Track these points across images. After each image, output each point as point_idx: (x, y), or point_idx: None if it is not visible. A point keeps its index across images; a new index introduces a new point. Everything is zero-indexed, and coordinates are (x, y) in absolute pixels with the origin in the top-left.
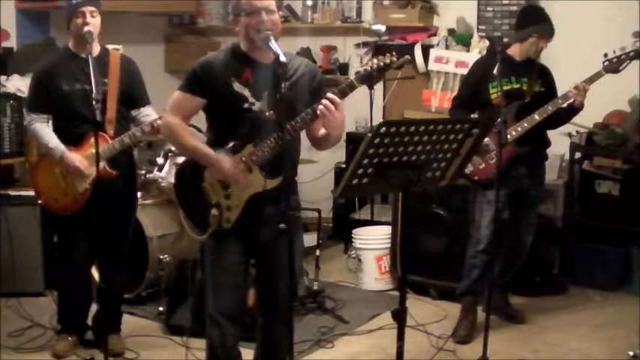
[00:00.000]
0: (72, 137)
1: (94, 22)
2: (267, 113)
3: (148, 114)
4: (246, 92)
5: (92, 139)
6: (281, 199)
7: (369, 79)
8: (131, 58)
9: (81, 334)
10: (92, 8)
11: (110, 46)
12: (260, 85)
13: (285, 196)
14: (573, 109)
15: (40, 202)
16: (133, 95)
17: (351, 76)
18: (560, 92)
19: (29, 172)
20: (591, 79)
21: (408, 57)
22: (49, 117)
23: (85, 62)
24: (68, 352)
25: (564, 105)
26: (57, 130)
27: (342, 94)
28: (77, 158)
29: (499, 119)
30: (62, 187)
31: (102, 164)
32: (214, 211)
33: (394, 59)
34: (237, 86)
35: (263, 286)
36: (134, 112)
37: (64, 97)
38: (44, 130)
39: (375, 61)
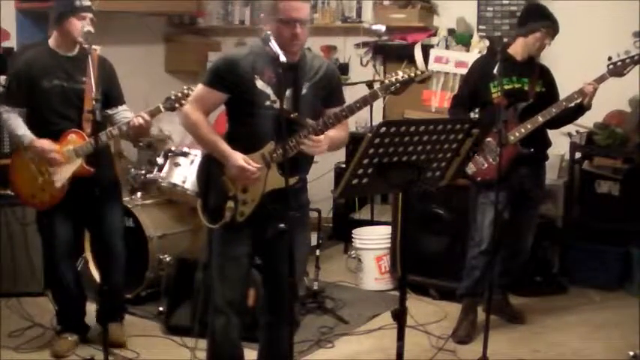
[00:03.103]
0: (50, 134)
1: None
2: (292, 115)
3: (125, 116)
4: (269, 90)
5: (70, 136)
6: (292, 198)
7: (392, 90)
8: (107, 59)
9: (81, 333)
10: (91, 15)
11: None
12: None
13: (295, 195)
14: (581, 109)
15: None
16: (110, 95)
17: (351, 75)
18: (560, 91)
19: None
20: (595, 82)
21: (430, 72)
22: (22, 111)
23: (65, 60)
24: (68, 351)
25: (572, 104)
26: (35, 126)
27: (365, 103)
28: (46, 143)
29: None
30: (39, 184)
31: (79, 161)
32: (230, 204)
33: (418, 72)
34: (260, 84)
35: (269, 283)
36: (111, 111)
37: (43, 94)
38: (15, 119)
39: (400, 73)
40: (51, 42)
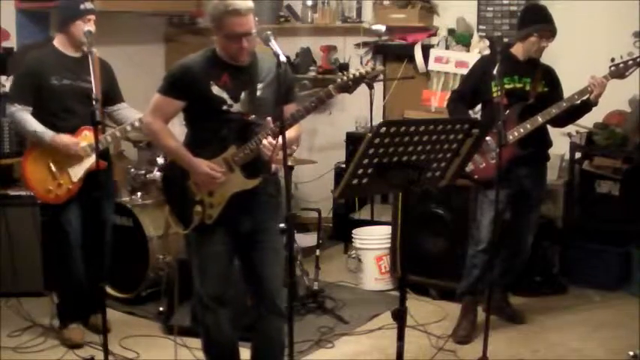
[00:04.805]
0: (60, 130)
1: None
2: (249, 117)
3: (126, 113)
4: (225, 95)
5: (84, 132)
6: (259, 191)
7: (345, 88)
8: (105, 60)
9: (84, 322)
10: (94, 17)
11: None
12: (238, 88)
13: (263, 189)
14: (587, 105)
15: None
16: (110, 94)
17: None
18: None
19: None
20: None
21: (381, 68)
22: (31, 110)
23: (72, 60)
24: (82, 339)
25: (577, 102)
26: (44, 123)
27: (320, 102)
28: (66, 137)
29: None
30: (56, 178)
31: (94, 157)
32: (198, 208)
33: (369, 70)
34: (215, 89)
35: (250, 277)
36: (112, 108)
37: (52, 91)
38: (29, 118)
39: (352, 71)
40: (56, 43)
